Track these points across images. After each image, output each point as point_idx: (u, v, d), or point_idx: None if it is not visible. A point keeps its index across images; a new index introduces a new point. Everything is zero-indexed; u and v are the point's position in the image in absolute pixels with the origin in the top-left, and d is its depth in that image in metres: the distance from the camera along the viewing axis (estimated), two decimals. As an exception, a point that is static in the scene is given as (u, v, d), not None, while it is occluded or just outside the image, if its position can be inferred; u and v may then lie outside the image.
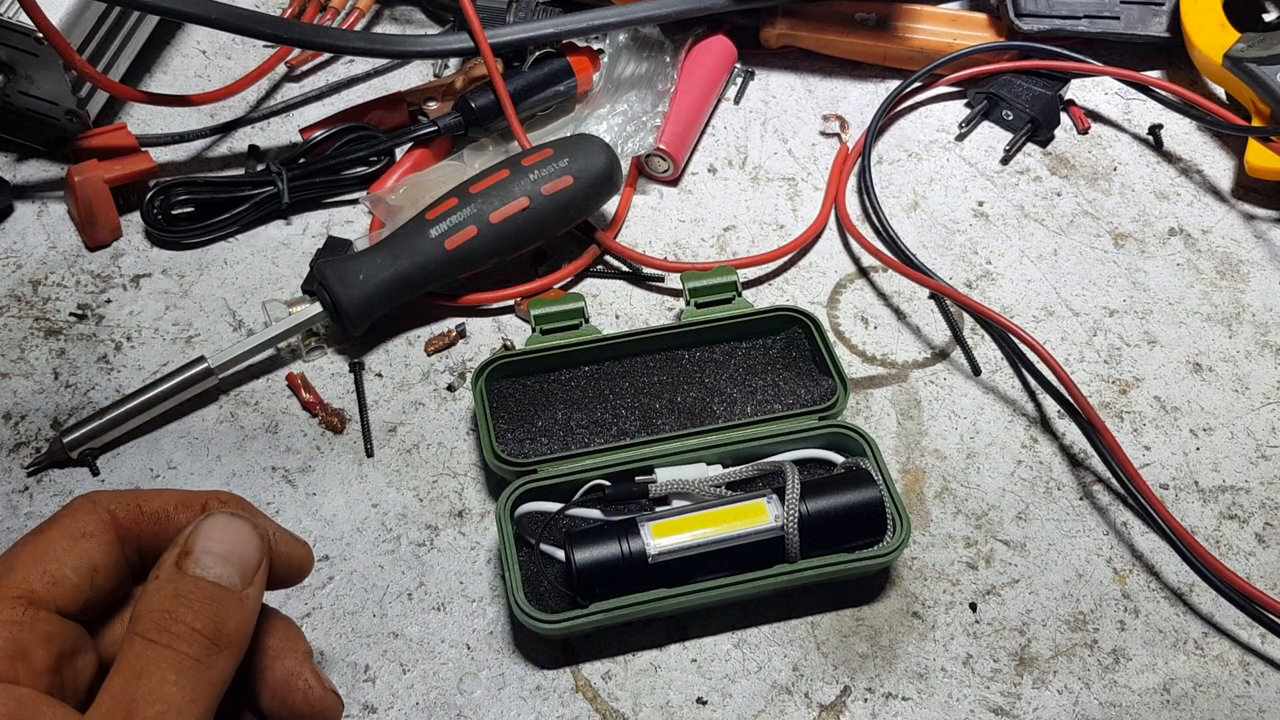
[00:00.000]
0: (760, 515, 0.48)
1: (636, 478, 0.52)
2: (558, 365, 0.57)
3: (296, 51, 0.71)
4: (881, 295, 0.64)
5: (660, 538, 0.47)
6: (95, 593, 0.33)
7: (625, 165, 0.65)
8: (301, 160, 0.65)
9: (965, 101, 0.73)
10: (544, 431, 0.54)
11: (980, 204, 0.68)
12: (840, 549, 0.48)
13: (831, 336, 0.61)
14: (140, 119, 0.69)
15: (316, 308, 0.58)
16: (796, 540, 0.47)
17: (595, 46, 0.69)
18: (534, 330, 0.57)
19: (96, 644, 0.35)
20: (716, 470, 0.53)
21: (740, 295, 0.59)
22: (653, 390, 0.56)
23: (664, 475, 0.52)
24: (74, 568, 0.33)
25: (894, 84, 0.71)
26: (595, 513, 0.51)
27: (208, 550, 0.32)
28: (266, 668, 0.35)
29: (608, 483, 0.52)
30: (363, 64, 0.72)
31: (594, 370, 0.57)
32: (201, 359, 0.56)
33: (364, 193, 0.65)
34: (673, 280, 0.63)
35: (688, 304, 0.59)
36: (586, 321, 0.58)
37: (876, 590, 0.52)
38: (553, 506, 0.51)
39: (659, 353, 0.58)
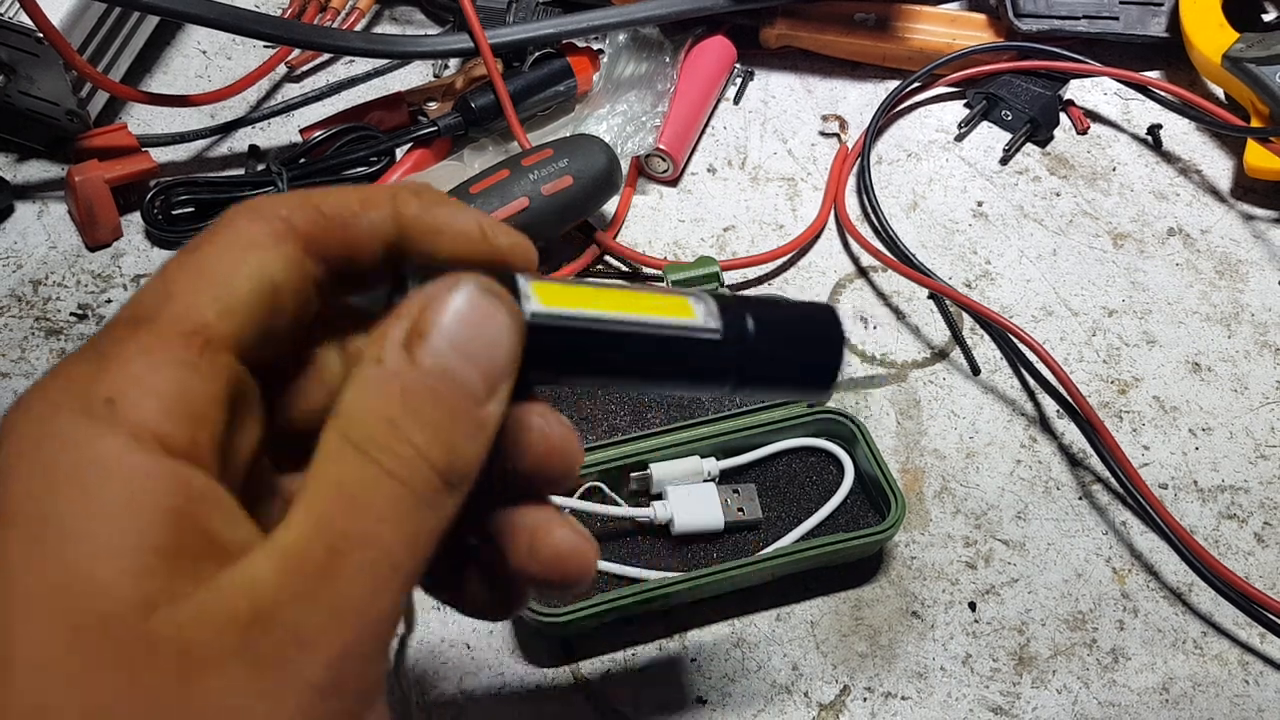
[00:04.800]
0: (682, 310, 0.29)
1: (631, 474, 0.53)
2: None
3: (297, 52, 0.71)
4: (881, 295, 0.64)
5: (548, 301, 0.27)
6: (276, 323, 0.24)
7: (625, 165, 0.65)
8: (302, 160, 0.65)
9: (964, 102, 0.73)
10: (534, 430, 0.55)
11: (979, 204, 0.68)
12: (786, 381, 0.31)
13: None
14: (140, 119, 0.69)
15: (317, 308, 0.58)
16: (733, 346, 0.29)
17: (595, 47, 0.69)
18: None
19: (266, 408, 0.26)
20: (710, 463, 0.53)
21: (723, 286, 0.60)
22: (639, 384, 0.57)
23: (658, 471, 0.52)
24: (250, 288, 0.23)
25: (893, 84, 0.72)
26: (597, 506, 0.51)
27: (450, 336, 0.23)
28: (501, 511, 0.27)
29: (604, 485, 0.52)
30: (363, 64, 0.72)
31: None
32: (202, 359, 0.56)
33: (364, 193, 0.65)
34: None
35: None
36: None
37: (875, 588, 0.53)
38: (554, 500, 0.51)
39: None
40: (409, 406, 0.22)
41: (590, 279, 0.27)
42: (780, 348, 0.30)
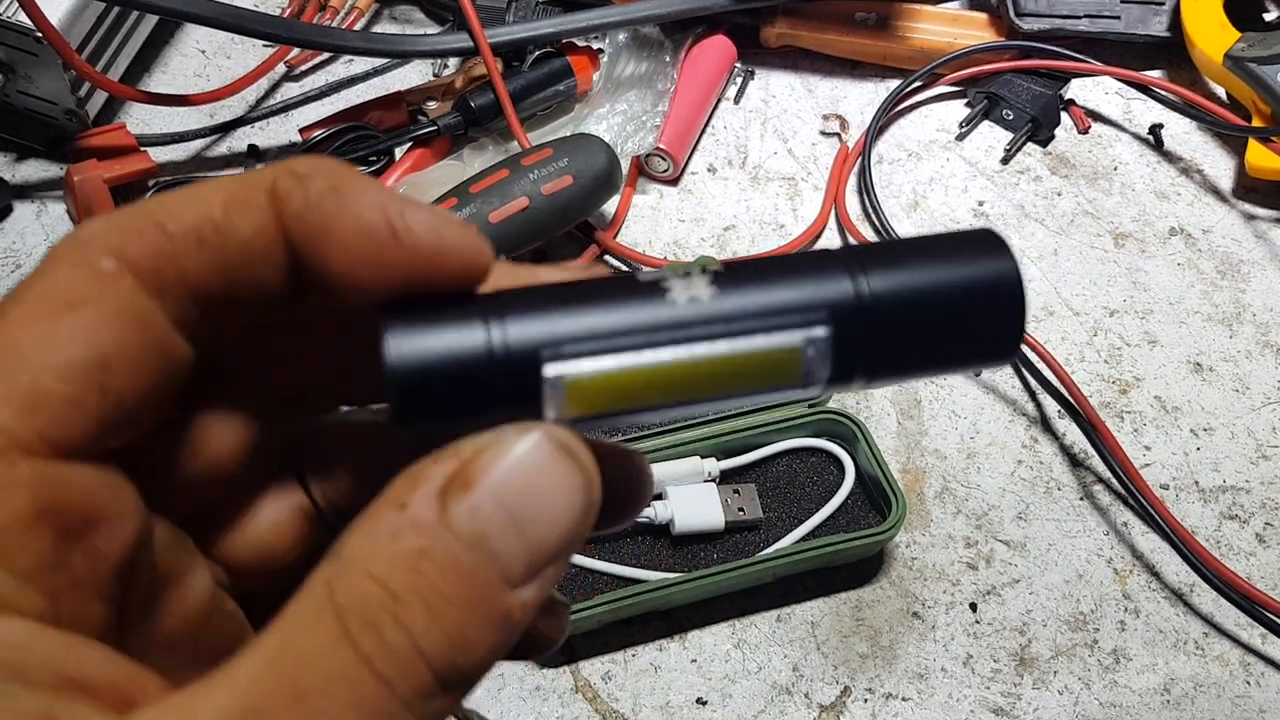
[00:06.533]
0: (786, 369, 0.20)
1: None
2: None
3: (296, 51, 0.71)
4: (881, 295, 0.63)
5: (582, 406, 0.20)
6: (117, 401, 0.18)
7: (625, 165, 0.65)
8: (301, 160, 0.65)
9: (965, 101, 0.72)
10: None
11: (980, 204, 0.68)
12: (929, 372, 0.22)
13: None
14: (139, 119, 0.69)
15: (316, 307, 0.57)
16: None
17: (595, 46, 0.69)
18: None
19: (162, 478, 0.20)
20: (711, 463, 0.53)
21: None
22: (639, 386, 0.56)
23: (659, 471, 0.52)
24: (63, 368, 0.17)
25: (894, 83, 0.71)
26: None
27: (500, 495, 0.17)
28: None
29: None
30: (362, 63, 0.72)
31: None
32: (201, 359, 0.56)
33: (363, 192, 0.65)
34: (672, 280, 0.63)
35: None
36: None
37: (876, 589, 0.52)
38: None
39: None
40: (420, 577, 0.17)
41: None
42: (919, 346, 0.20)
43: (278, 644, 0.17)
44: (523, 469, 0.18)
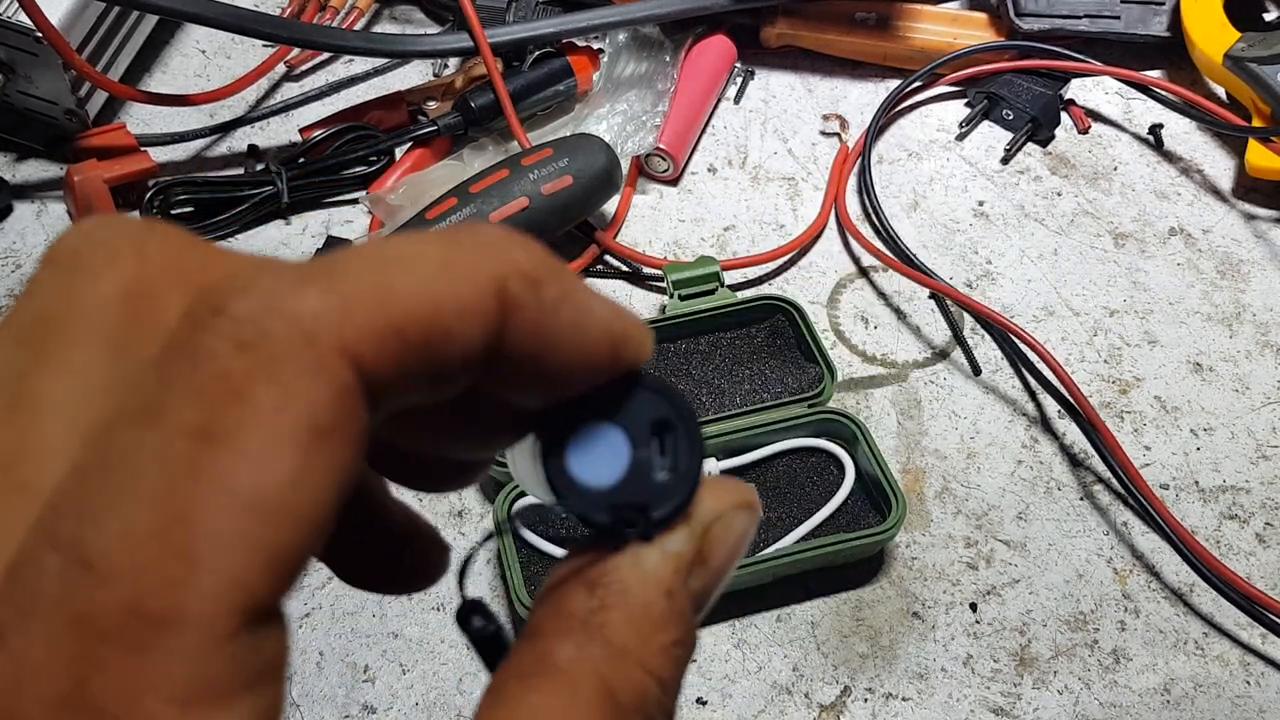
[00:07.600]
0: None
1: None
2: None
3: (296, 51, 0.71)
4: (881, 295, 0.63)
5: None
6: (325, 536, 0.15)
7: (625, 165, 0.65)
8: (301, 160, 0.65)
9: (965, 101, 0.72)
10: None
11: (980, 204, 0.68)
12: None
13: (824, 326, 0.61)
14: (139, 119, 0.69)
15: (316, 307, 0.57)
16: None
17: (595, 46, 0.69)
18: None
19: None
20: (711, 463, 0.53)
21: (723, 285, 0.60)
22: (641, 384, 0.57)
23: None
24: (318, 522, 0.14)
25: (894, 83, 0.71)
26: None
27: (724, 569, 0.19)
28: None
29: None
30: (362, 63, 0.72)
31: None
32: (201, 359, 0.56)
33: (364, 193, 0.65)
34: (673, 280, 0.63)
35: (671, 296, 0.59)
36: None
37: (876, 589, 0.52)
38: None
39: None
40: (678, 665, 0.18)
41: None
42: None
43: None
44: (740, 541, 0.19)
